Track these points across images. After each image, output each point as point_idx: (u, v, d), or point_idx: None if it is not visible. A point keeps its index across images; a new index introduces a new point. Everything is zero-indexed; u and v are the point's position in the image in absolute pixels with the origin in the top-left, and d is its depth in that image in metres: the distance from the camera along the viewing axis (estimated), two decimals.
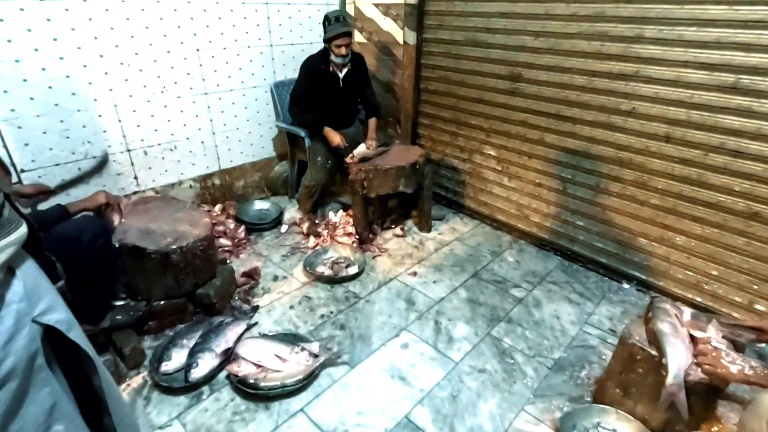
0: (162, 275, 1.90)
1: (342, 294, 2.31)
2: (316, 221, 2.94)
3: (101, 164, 2.42)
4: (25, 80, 2.08)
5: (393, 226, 2.99)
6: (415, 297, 2.30)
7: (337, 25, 2.54)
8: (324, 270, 2.44)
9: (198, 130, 2.83)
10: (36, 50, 2.08)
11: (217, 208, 2.99)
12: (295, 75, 3.16)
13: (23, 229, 0.84)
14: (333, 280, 2.38)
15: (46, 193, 1.81)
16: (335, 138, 2.70)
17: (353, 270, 2.44)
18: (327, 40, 2.61)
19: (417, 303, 2.26)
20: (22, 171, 2.19)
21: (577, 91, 2.35)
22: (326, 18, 2.59)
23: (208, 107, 2.83)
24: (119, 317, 1.82)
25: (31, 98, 2.13)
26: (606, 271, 2.52)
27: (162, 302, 1.96)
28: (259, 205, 3.12)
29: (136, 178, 2.63)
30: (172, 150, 2.74)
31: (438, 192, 3.31)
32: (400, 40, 3.07)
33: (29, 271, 0.88)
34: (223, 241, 2.65)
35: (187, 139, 2.79)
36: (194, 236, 1.96)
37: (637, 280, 2.41)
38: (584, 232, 2.56)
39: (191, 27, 2.58)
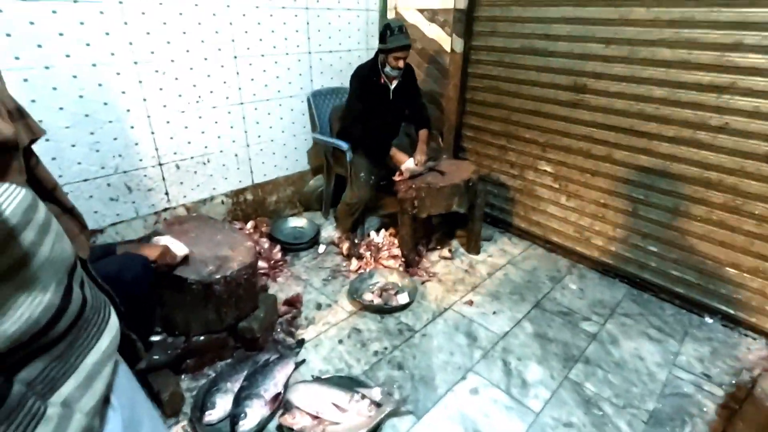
0: (203, 308, 1.69)
1: (394, 326, 2.08)
2: (356, 240, 2.73)
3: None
4: (54, 88, 1.90)
5: (439, 248, 2.76)
6: (476, 331, 2.07)
7: (400, 36, 2.33)
8: (372, 298, 2.21)
9: (232, 142, 2.64)
10: (67, 56, 1.90)
11: (249, 225, 2.79)
12: (333, 83, 3.00)
13: (114, 322, 0.60)
14: (383, 310, 2.16)
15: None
16: (402, 158, 2.46)
17: (404, 298, 2.21)
18: (385, 51, 2.39)
19: (479, 338, 2.02)
20: None
21: (655, 104, 2.12)
22: (387, 27, 2.37)
23: (244, 118, 2.64)
24: (156, 357, 1.61)
25: (61, 108, 1.94)
26: (683, 302, 2.27)
27: (202, 337, 1.75)
28: (294, 222, 2.91)
29: (167, 193, 2.44)
30: (205, 164, 2.55)
31: (484, 210, 3.08)
32: (447, 48, 2.87)
33: (124, 390, 0.63)
34: (259, 263, 2.43)
35: (221, 151, 2.60)
36: (238, 263, 1.75)
37: (722, 315, 2.15)
38: (657, 259, 2.32)
39: (230, 32, 2.40)
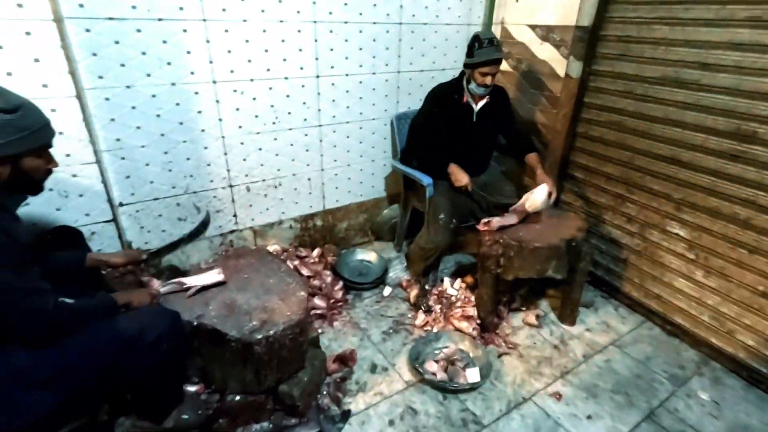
0: (241, 367, 1.50)
1: (457, 413, 1.72)
2: (426, 287, 2.39)
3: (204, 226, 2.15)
4: (133, 107, 1.86)
5: (524, 309, 2.32)
6: None
7: (489, 49, 2.02)
8: (435, 370, 1.87)
9: (306, 165, 2.47)
10: (148, 75, 1.84)
11: (315, 253, 2.60)
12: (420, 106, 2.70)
13: None
14: (446, 390, 1.80)
15: (137, 262, 1.52)
16: (462, 178, 2.15)
17: (473, 375, 1.84)
18: (471, 65, 2.08)
19: None
20: (121, 205, 1.99)
21: None
22: (476, 38, 2.06)
23: (320, 141, 2.46)
24: (185, 416, 1.45)
25: (138, 127, 1.90)
26: None
27: (237, 397, 1.56)
28: (362, 254, 2.67)
29: (235, 215, 2.34)
30: (276, 187, 2.41)
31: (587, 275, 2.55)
32: (560, 72, 2.40)
33: None
34: (317, 301, 2.23)
35: (294, 175, 2.44)
36: (284, 320, 1.52)
37: None
38: None
39: (313, 50, 2.22)
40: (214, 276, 1.64)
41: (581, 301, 2.29)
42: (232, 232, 2.37)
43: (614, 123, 2.28)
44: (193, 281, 1.60)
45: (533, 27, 2.49)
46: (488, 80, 2.10)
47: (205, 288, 1.61)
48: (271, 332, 1.48)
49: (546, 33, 2.43)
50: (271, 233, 2.51)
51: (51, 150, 1.18)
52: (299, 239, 2.64)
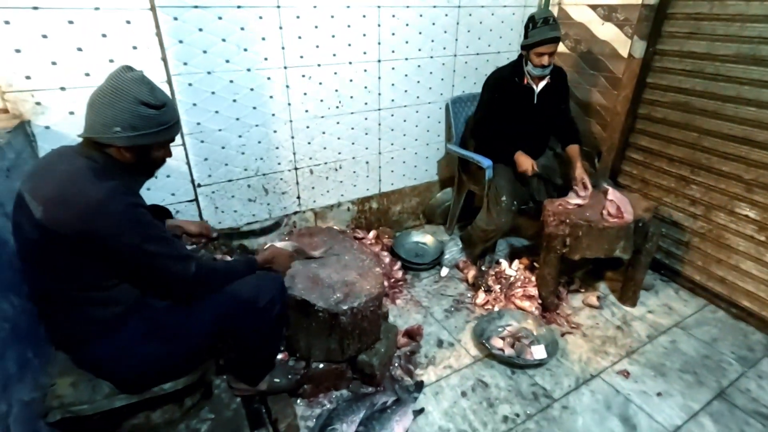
0: (326, 337, 1.59)
1: (528, 387, 1.77)
2: (483, 268, 2.44)
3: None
4: (213, 93, 1.96)
5: (583, 290, 2.34)
6: (635, 416, 1.65)
7: (544, 28, 2.01)
8: (502, 346, 1.92)
9: (365, 149, 2.53)
10: (227, 61, 1.93)
11: (371, 234, 2.68)
12: (476, 89, 2.71)
13: None
14: (515, 365, 1.86)
15: (207, 238, 1.62)
16: (525, 162, 2.17)
17: (540, 353, 1.88)
18: (528, 46, 2.08)
19: (640, 428, 1.61)
20: (199, 186, 2.10)
21: None
22: (531, 19, 2.06)
23: (379, 125, 2.51)
24: (277, 380, 1.55)
25: (216, 112, 2.00)
26: None
27: (321, 365, 1.65)
28: (417, 236, 2.73)
29: (298, 197, 2.43)
30: (336, 170, 2.49)
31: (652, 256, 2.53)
32: (623, 52, 2.37)
33: None
34: None
35: (353, 158, 2.51)
36: (365, 293, 1.61)
37: None
38: None
39: (376, 35, 2.26)
40: (317, 252, 1.78)
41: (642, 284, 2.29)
42: (295, 213, 2.47)
43: (680, 103, 2.25)
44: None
45: (594, 7, 2.46)
46: (545, 60, 2.08)
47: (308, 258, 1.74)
48: (355, 304, 1.56)
49: (608, 12, 2.40)
50: (330, 215, 2.60)
51: None
52: (355, 221, 2.72)
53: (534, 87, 2.23)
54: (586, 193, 2.07)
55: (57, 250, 1.02)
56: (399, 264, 2.46)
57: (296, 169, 2.35)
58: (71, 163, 1.05)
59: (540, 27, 2.03)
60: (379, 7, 2.20)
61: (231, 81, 1.98)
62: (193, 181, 2.04)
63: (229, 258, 2.12)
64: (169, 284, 1.14)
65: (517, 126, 2.27)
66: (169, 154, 1.22)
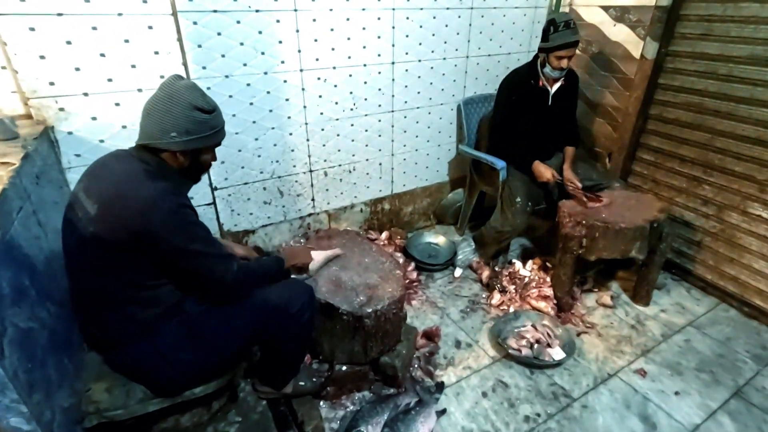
0: (350, 339, 1.61)
1: (547, 387, 1.79)
2: (497, 268, 2.45)
3: None
4: (230, 96, 1.97)
5: (596, 290, 2.36)
6: (655, 415, 1.67)
7: (566, 32, 2.03)
8: (520, 346, 1.94)
9: (378, 151, 2.54)
10: (244, 65, 1.94)
11: (384, 236, 2.69)
12: (487, 90, 2.74)
13: None
14: (533, 365, 1.88)
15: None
16: (546, 173, 2.19)
17: (558, 353, 1.90)
18: (548, 49, 2.10)
19: (660, 427, 1.63)
20: (215, 189, 2.11)
21: None
22: (551, 22, 2.07)
23: (392, 126, 2.52)
24: (302, 383, 1.57)
25: (233, 115, 2.01)
26: None
27: (344, 367, 1.67)
28: (429, 237, 2.74)
29: (313, 199, 2.44)
30: (350, 171, 2.50)
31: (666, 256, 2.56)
32: (635, 54, 2.39)
33: None
34: None
35: (367, 160, 2.52)
36: (388, 296, 1.62)
37: None
38: None
39: (391, 37, 2.27)
40: (336, 251, 1.78)
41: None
42: (309, 215, 2.48)
43: (692, 104, 2.26)
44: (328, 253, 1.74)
45: (606, 8, 2.47)
46: (564, 63, 2.11)
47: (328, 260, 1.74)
48: (379, 306, 1.58)
49: (621, 14, 2.41)
50: (344, 216, 2.61)
51: None
52: (368, 222, 2.74)
53: (549, 88, 2.25)
54: (574, 185, 2.13)
55: (106, 247, 1.05)
56: (413, 265, 2.47)
57: (311, 171, 2.36)
58: (126, 164, 1.10)
59: (561, 31, 2.04)
60: (393, 9, 2.21)
61: (248, 84, 1.98)
62: (211, 184, 2.05)
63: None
64: (212, 283, 1.16)
65: (532, 127, 2.29)
66: (215, 158, 1.27)
